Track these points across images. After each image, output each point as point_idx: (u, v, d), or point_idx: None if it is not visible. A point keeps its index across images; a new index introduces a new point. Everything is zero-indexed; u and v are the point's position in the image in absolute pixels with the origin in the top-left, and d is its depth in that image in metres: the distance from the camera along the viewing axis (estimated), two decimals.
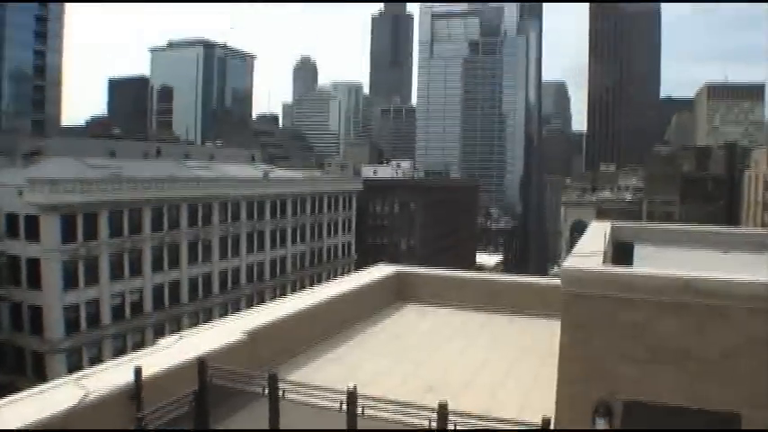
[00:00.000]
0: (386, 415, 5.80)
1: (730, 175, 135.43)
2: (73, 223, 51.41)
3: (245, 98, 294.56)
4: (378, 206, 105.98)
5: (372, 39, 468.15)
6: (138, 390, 6.38)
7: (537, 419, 5.39)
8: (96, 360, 49.53)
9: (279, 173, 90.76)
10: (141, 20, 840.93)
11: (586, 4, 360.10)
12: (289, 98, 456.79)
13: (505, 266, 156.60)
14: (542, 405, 6.85)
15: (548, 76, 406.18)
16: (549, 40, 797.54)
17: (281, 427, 5.99)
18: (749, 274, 6.78)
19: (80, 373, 6.93)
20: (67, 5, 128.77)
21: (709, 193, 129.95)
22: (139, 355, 7.63)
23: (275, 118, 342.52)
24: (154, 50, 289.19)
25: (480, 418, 5.50)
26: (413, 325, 11.68)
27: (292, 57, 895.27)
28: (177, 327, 57.27)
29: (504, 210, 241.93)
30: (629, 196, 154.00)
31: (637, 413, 6.48)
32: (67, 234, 50.98)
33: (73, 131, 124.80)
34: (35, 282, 50.61)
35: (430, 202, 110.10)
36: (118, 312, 56.04)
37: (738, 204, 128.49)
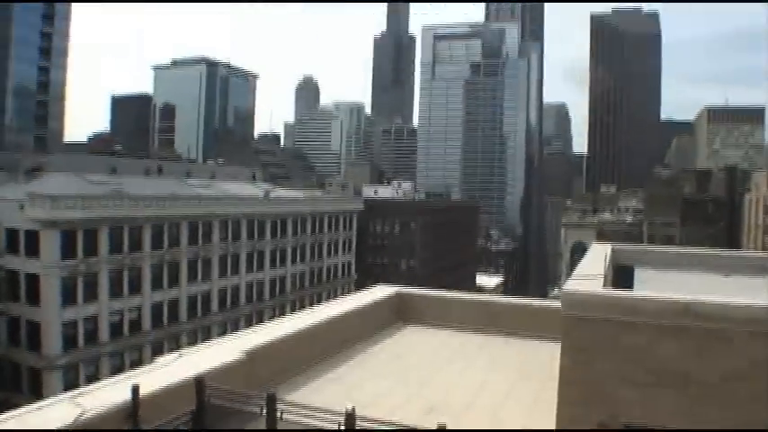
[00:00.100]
0: None
1: (731, 197, 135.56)
2: (73, 239, 51.39)
3: (247, 117, 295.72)
4: (378, 226, 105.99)
5: (374, 59, 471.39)
6: (135, 408, 6.33)
7: None
8: (93, 377, 49.26)
9: (280, 192, 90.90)
10: (145, 38, 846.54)
11: (587, 28, 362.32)
12: (290, 117, 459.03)
13: (505, 288, 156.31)
14: (543, 427, 6.80)
15: (549, 97, 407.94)
16: (551, 62, 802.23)
17: None
18: (750, 297, 6.76)
19: (77, 391, 6.89)
20: (72, 21, 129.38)
21: (709, 216, 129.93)
22: (137, 373, 7.59)
23: (277, 137, 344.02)
24: (157, 68, 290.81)
25: None
26: (413, 346, 11.63)
27: (294, 76, 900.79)
28: (176, 345, 57.03)
29: (505, 231, 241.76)
30: (629, 218, 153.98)
31: None
32: (67, 250, 50.93)
33: (75, 148, 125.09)
34: (34, 297, 50.49)
35: (430, 222, 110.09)
36: (116, 330, 55.86)
37: (739, 227, 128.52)
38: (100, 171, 68.21)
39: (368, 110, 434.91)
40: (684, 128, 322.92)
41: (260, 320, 64.36)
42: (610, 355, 6.55)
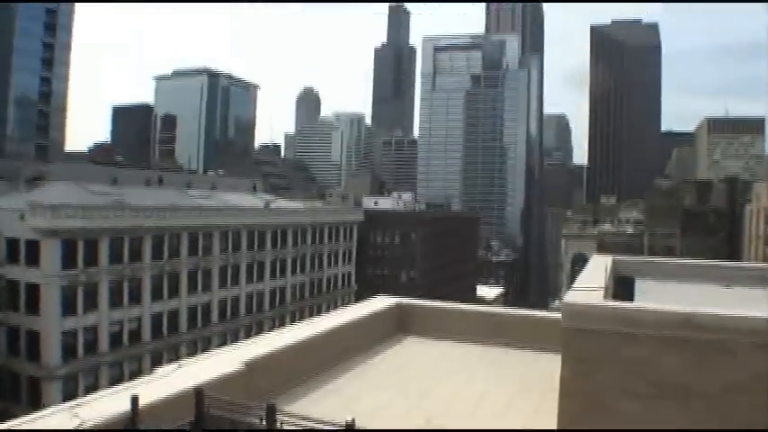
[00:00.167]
0: None
1: (731, 208, 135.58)
2: (73, 249, 51.46)
3: (247, 128, 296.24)
4: (378, 237, 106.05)
5: (375, 70, 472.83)
6: (134, 419, 6.31)
7: None
8: (93, 388, 49.14)
9: (280, 203, 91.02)
10: (145, 47, 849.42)
11: (587, 39, 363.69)
12: (291, 128, 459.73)
13: (506, 299, 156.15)
14: None
15: (549, 107, 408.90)
16: (551, 72, 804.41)
17: None
18: (751, 308, 6.75)
19: (75, 402, 6.86)
20: (75, 33, 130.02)
21: (710, 227, 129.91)
22: (136, 384, 7.57)
23: (277, 148, 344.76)
24: (158, 79, 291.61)
25: None
26: (413, 357, 11.60)
27: (295, 87, 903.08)
28: (175, 356, 57.00)
29: (505, 242, 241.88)
30: (630, 229, 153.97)
31: None
32: (68, 260, 51.01)
33: (76, 157, 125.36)
34: (34, 307, 50.50)
35: (431, 233, 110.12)
36: (116, 340, 55.83)
37: (739, 238, 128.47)
38: (101, 181, 68.37)
39: (368, 121, 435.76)
40: (685, 139, 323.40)
41: (260, 331, 64.26)
42: (610, 366, 6.54)
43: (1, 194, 59.80)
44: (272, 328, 57.83)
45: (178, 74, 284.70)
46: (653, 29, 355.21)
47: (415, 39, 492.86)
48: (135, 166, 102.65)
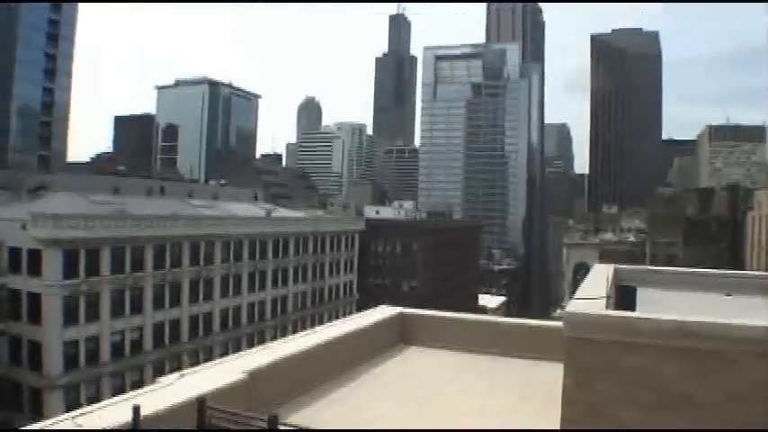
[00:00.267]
0: None
1: (733, 216, 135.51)
2: (75, 259, 51.50)
3: (249, 137, 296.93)
4: (380, 246, 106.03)
5: (376, 80, 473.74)
6: (135, 429, 6.31)
7: None
8: (94, 398, 49.08)
9: (281, 212, 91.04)
10: (147, 58, 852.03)
11: (587, 47, 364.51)
12: (292, 138, 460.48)
13: (508, 308, 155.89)
14: None
15: (550, 117, 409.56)
16: (552, 82, 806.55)
17: None
18: (753, 317, 6.75)
19: (77, 411, 6.87)
20: (77, 43, 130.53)
21: (712, 235, 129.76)
22: (138, 394, 7.57)
23: (279, 157, 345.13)
24: (160, 88, 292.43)
25: None
26: (415, 367, 11.59)
27: (297, 97, 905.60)
28: (177, 365, 56.96)
29: (507, 251, 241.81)
30: (631, 238, 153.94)
31: None
32: (69, 269, 51.02)
33: (78, 167, 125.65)
34: (35, 316, 50.50)
35: (432, 242, 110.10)
36: (117, 350, 55.78)
37: (742, 246, 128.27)
38: (103, 191, 68.48)
39: (370, 130, 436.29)
40: (686, 147, 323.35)
41: (261, 341, 64.25)
42: (612, 376, 6.54)
43: (3, 204, 59.92)
44: (273, 338, 57.83)
45: (180, 83, 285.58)
46: (653, 37, 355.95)
47: (416, 48, 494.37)
48: (137, 176, 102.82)
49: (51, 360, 50.46)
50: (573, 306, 7.30)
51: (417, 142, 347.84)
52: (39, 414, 45.99)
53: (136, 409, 6.39)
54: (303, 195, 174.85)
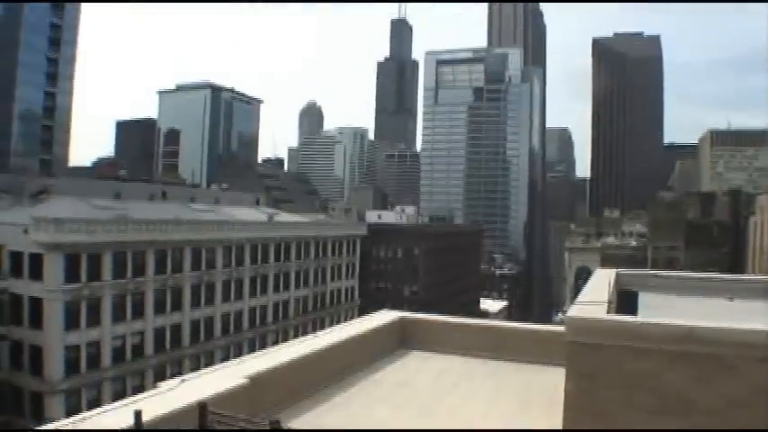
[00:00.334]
0: None
1: (735, 221, 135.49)
2: (76, 263, 51.47)
3: (250, 142, 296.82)
4: (381, 251, 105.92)
5: (378, 84, 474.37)
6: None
7: None
8: (95, 402, 48.98)
9: (283, 216, 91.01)
10: (149, 63, 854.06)
11: (589, 51, 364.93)
12: (294, 142, 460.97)
13: (509, 312, 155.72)
14: None
15: (552, 121, 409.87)
16: (553, 86, 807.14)
17: None
18: (755, 322, 6.74)
19: (78, 416, 6.87)
20: (79, 47, 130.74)
21: (714, 240, 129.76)
22: (139, 399, 7.57)
23: (280, 162, 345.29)
24: (162, 93, 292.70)
25: None
26: (416, 372, 11.58)
27: (298, 101, 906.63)
28: (178, 370, 56.94)
29: (508, 255, 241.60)
30: (633, 242, 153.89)
31: None
32: (71, 274, 50.97)
33: (80, 172, 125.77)
34: (37, 321, 50.46)
35: (434, 247, 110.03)
36: (118, 354, 55.69)
37: (743, 251, 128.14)
38: (104, 195, 68.50)
39: (371, 135, 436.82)
40: (687, 151, 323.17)
41: (263, 345, 64.14)
42: (614, 381, 6.53)
43: (5, 209, 59.95)
44: (275, 343, 57.87)
45: (181, 88, 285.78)
46: (655, 41, 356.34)
47: (418, 52, 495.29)
48: (138, 181, 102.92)
49: (52, 364, 50.40)
50: (574, 311, 7.30)
51: (419, 147, 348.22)
52: (39, 419, 45.94)
53: (137, 414, 6.38)
54: (305, 200, 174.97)
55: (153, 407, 6.96)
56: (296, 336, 54.65)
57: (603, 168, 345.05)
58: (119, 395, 48.75)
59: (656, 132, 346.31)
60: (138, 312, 57.72)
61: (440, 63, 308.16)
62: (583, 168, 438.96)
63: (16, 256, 51.72)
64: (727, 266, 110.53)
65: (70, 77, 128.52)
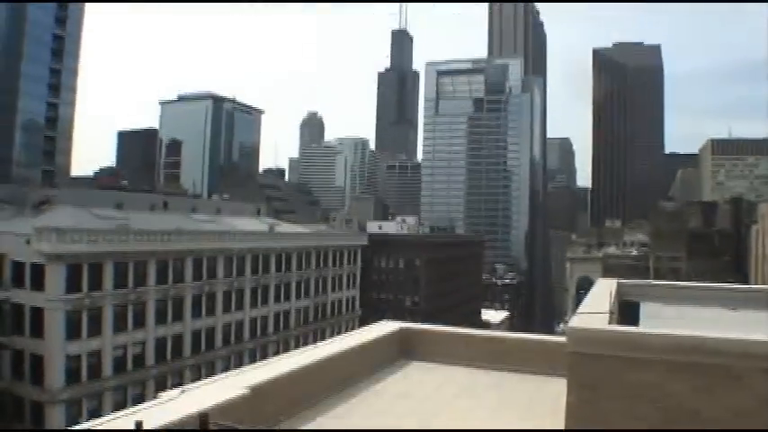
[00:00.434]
0: None
1: (737, 229, 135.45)
2: (78, 273, 51.51)
3: (252, 152, 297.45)
4: (383, 261, 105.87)
5: (379, 95, 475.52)
6: None
7: None
8: (96, 412, 48.91)
9: (284, 227, 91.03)
10: (151, 73, 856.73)
11: (590, 61, 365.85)
12: (295, 153, 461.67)
13: (511, 323, 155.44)
14: None
15: (552, 130, 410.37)
16: (554, 96, 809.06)
17: None
18: (759, 332, 6.72)
19: (80, 427, 6.85)
20: (81, 58, 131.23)
21: (715, 249, 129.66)
22: (140, 409, 7.55)
23: (281, 172, 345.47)
24: (163, 103, 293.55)
25: None
26: (417, 383, 11.54)
27: (299, 112, 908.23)
28: (179, 380, 56.81)
29: (510, 265, 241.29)
30: (634, 251, 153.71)
31: None
32: (72, 284, 51.01)
33: (82, 182, 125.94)
34: (38, 331, 50.45)
35: (435, 257, 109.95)
36: (119, 364, 55.62)
37: (746, 259, 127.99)
38: (106, 206, 68.58)
39: (372, 145, 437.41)
40: (688, 160, 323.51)
41: (264, 356, 64.04)
42: (616, 392, 6.50)
43: (7, 219, 60.05)
44: (276, 353, 57.75)
45: (183, 98, 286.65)
46: (655, 50, 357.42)
47: (419, 63, 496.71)
48: (140, 191, 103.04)
49: (53, 374, 50.33)
50: (576, 321, 7.28)
51: (420, 157, 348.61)
52: (41, 429, 45.85)
53: (138, 425, 6.36)
54: (306, 210, 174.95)
55: (154, 417, 6.94)
56: (297, 346, 54.59)
57: (604, 178, 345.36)
58: (120, 405, 48.63)
59: (657, 142, 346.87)
60: (140, 322, 57.69)
61: (440, 74, 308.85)
62: (584, 178, 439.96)
63: (18, 266, 51.76)
64: (729, 275, 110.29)
65: (73, 88, 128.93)
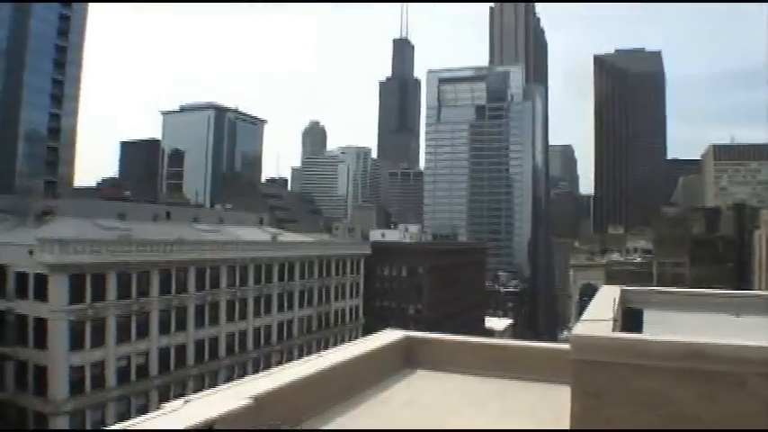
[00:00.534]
0: None
1: (740, 235, 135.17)
2: (81, 284, 51.56)
3: (254, 161, 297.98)
4: (386, 270, 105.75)
5: (380, 103, 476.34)
6: None
7: None
8: (100, 423, 48.89)
9: (287, 236, 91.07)
10: (151, 74, 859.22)
11: (591, 68, 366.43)
12: (297, 162, 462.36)
13: (514, 330, 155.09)
14: None
15: (554, 137, 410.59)
16: (556, 102, 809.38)
17: None
18: (762, 338, 6.71)
19: None
20: (84, 68, 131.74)
21: (719, 255, 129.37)
22: (144, 419, 7.55)
23: (284, 181, 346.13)
24: (165, 114, 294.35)
25: None
26: (422, 391, 11.52)
27: (301, 121, 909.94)
28: (182, 390, 56.77)
29: (513, 273, 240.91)
30: (638, 258, 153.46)
31: None
32: (75, 294, 51.08)
33: (85, 192, 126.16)
34: (41, 341, 50.50)
35: (438, 265, 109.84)
36: (123, 375, 55.60)
37: (749, 265, 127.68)
38: (109, 216, 68.70)
39: (374, 153, 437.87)
40: (691, 166, 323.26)
41: (267, 365, 64.02)
42: (621, 399, 6.49)
43: (10, 230, 60.17)
44: (279, 362, 57.69)
45: (185, 109, 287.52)
46: (656, 56, 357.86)
47: (420, 71, 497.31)
48: (143, 201, 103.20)
49: (57, 385, 50.32)
50: (579, 328, 7.28)
51: (422, 165, 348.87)
52: None
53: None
54: (308, 219, 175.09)
55: (158, 427, 6.94)
56: (300, 356, 54.51)
57: (607, 184, 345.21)
58: (123, 416, 48.59)
59: (659, 147, 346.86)
60: (143, 332, 57.69)
61: (441, 81, 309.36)
62: (586, 185, 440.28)
63: (21, 277, 51.83)
64: (733, 281, 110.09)
65: (75, 98, 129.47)
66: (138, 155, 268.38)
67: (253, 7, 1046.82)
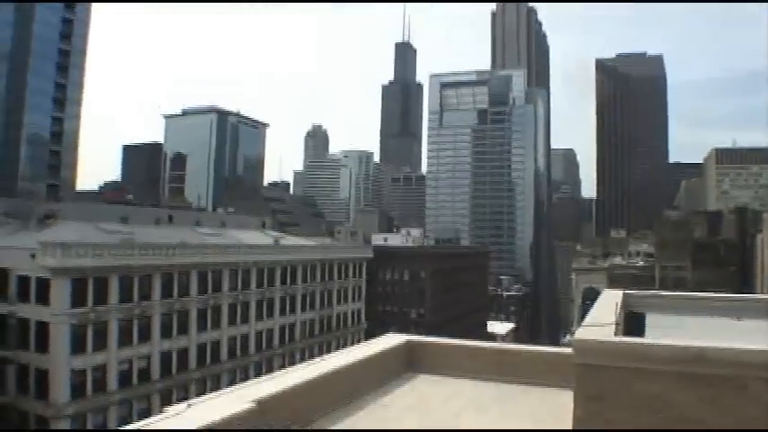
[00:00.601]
0: None
1: (742, 239, 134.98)
2: (83, 287, 51.60)
3: (256, 165, 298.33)
4: (388, 274, 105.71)
5: (383, 107, 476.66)
6: None
7: None
8: (101, 427, 48.86)
9: (289, 240, 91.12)
10: (151, 74, 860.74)
11: (592, 70, 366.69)
12: (300, 165, 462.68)
13: (517, 334, 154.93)
14: None
15: (556, 141, 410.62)
16: (558, 106, 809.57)
17: None
18: (764, 341, 6.70)
19: None
20: (87, 72, 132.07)
21: (721, 258, 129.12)
22: (146, 424, 7.55)
23: (286, 185, 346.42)
24: (168, 117, 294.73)
25: None
26: (425, 396, 11.51)
27: (304, 124, 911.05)
28: (185, 394, 56.79)
29: (515, 277, 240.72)
30: (640, 262, 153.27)
31: None
32: (77, 298, 51.12)
33: (87, 196, 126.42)
34: (43, 345, 50.52)
35: (440, 269, 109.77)
36: (125, 378, 55.60)
37: (751, 268, 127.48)
38: (111, 220, 68.83)
39: (377, 158, 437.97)
40: (693, 169, 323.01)
41: (269, 369, 64.02)
42: (623, 403, 6.49)
43: (12, 233, 60.26)
44: (281, 366, 57.71)
45: (188, 112, 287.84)
46: (657, 61, 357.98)
47: (422, 75, 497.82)
48: (145, 204, 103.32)
49: (58, 389, 50.33)
50: (582, 332, 7.27)
51: (424, 169, 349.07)
52: None
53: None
54: (310, 223, 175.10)
55: (163, 428, 6.94)
56: (302, 359, 54.52)
57: (609, 187, 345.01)
58: (125, 420, 48.66)
59: (661, 150, 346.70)
60: (145, 336, 57.70)
61: (444, 86, 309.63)
62: (588, 188, 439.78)
63: (23, 281, 51.89)
64: (735, 285, 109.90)
65: (78, 101, 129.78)
66: (140, 158, 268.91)
67: (253, 7, 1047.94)
